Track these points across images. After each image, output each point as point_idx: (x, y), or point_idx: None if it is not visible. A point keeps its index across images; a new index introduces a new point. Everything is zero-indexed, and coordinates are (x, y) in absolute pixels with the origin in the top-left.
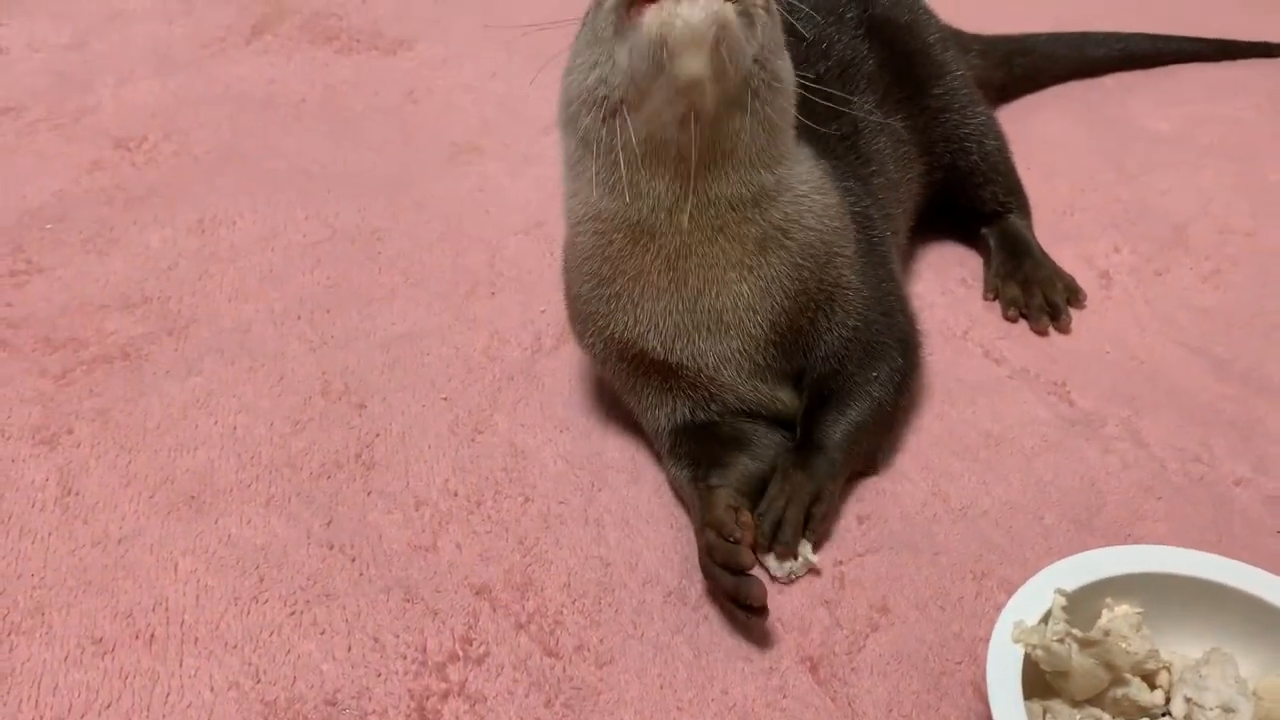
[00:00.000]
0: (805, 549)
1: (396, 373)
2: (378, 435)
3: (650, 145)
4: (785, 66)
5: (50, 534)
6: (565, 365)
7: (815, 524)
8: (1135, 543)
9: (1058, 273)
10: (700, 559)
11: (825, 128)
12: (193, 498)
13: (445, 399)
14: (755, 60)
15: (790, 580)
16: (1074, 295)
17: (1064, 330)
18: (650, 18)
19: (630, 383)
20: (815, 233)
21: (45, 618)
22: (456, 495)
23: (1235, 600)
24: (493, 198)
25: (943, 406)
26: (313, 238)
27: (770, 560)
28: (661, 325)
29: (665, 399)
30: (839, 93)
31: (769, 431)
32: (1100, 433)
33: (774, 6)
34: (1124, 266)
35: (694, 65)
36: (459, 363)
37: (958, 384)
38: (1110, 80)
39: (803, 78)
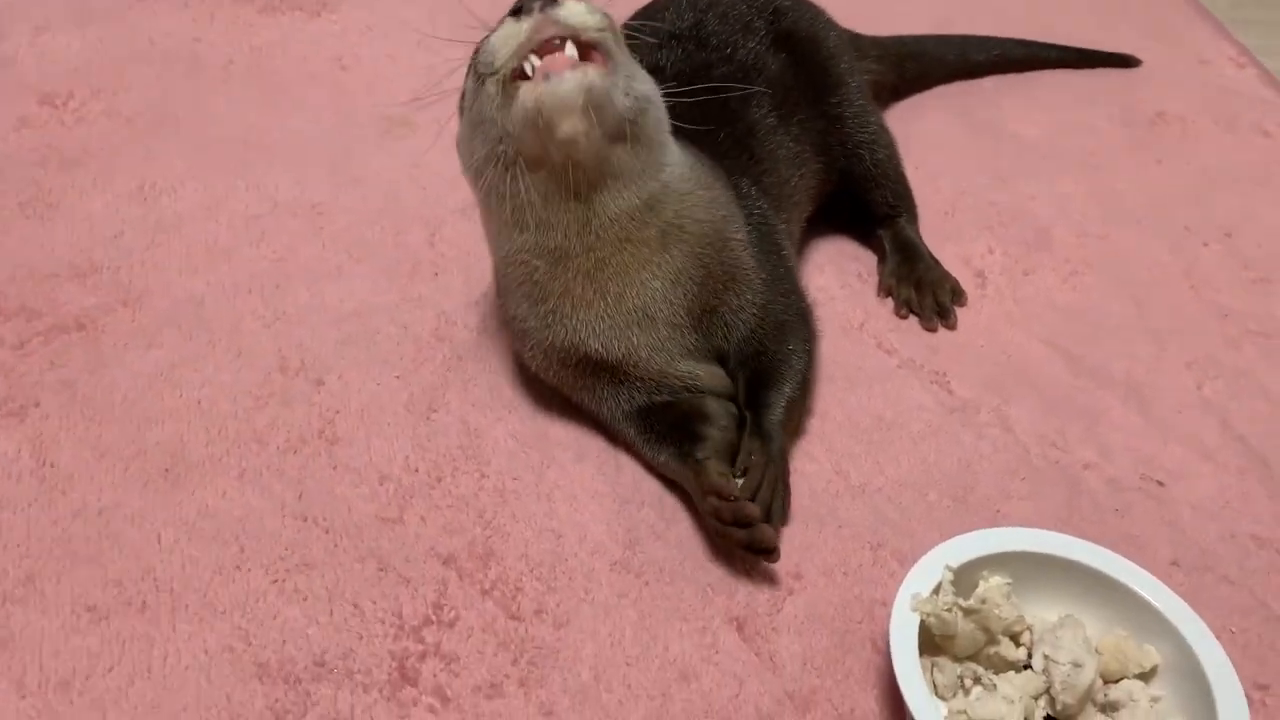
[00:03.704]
0: None
1: (349, 350)
2: (338, 412)
3: (547, 188)
4: (649, 88)
5: (30, 505)
6: (510, 348)
7: (786, 499)
8: (1003, 519)
9: (946, 276)
10: (707, 523)
11: (721, 128)
12: (167, 470)
13: (398, 377)
14: (625, 94)
15: None
16: (959, 296)
17: (951, 328)
18: (525, 94)
19: (579, 383)
20: (706, 223)
21: (37, 586)
22: (417, 471)
23: (1081, 572)
24: (427, 174)
25: (843, 393)
26: (255, 210)
27: None
28: (596, 329)
29: (618, 391)
30: (741, 90)
31: (716, 402)
32: (974, 419)
33: (620, 38)
34: (997, 267)
35: (569, 127)
36: (409, 342)
37: (857, 372)
38: (988, 83)
39: (696, 86)
